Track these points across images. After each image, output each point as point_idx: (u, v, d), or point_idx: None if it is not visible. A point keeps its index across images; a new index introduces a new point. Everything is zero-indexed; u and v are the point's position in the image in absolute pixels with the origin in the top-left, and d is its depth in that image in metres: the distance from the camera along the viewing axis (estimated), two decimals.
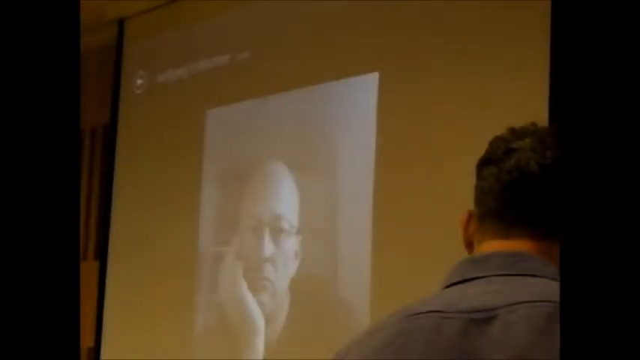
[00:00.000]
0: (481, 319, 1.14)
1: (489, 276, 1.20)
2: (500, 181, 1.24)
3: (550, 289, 1.15)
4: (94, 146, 4.65)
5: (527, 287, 1.17)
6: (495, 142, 1.28)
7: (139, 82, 4.31)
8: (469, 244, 1.30)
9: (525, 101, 2.79)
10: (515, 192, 1.23)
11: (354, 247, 3.26)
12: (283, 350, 3.43)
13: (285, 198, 3.55)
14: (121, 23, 4.42)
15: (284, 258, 3.51)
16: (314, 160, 3.46)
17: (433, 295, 1.23)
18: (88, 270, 4.32)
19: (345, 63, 3.37)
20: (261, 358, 3.55)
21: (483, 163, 1.27)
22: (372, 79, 3.26)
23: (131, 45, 4.39)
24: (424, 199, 2.97)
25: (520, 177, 1.22)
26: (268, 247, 3.55)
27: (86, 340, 4.25)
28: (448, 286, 1.23)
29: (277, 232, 3.54)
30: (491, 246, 1.24)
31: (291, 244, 3.49)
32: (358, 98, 3.31)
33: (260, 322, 3.56)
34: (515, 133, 1.27)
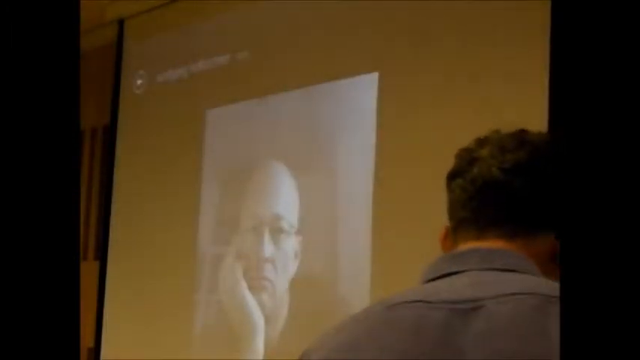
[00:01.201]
0: (465, 309, 1.14)
1: (470, 270, 1.21)
2: (467, 191, 1.27)
3: (535, 283, 1.17)
4: (94, 146, 4.65)
5: (512, 281, 1.18)
6: (460, 154, 1.32)
7: (139, 82, 4.31)
8: None
9: (525, 101, 2.79)
10: (482, 199, 1.26)
11: (354, 247, 3.26)
12: (283, 350, 3.43)
13: (285, 198, 3.55)
14: (121, 23, 4.42)
15: (284, 258, 3.51)
16: (314, 160, 3.46)
17: (412, 288, 1.23)
18: (88, 270, 4.32)
19: (345, 63, 3.37)
20: (261, 358, 3.55)
21: (451, 177, 1.31)
22: (372, 79, 3.26)
23: (131, 45, 4.39)
24: (424, 199, 2.97)
25: (483, 184, 1.26)
26: (268, 247, 3.55)
27: (86, 340, 4.26)
28: (427, 282, 1.24)
29: (277, 232, 3.54)
30: (468, 245, 1.26)
31: (291, 244, 3.49)
32: (358, 98, 3.31)
33: (260, 322, 3.56)
34: (478, 143, 1.31)
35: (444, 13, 3.07)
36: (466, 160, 1.29)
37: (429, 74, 3.10)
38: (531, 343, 1.09)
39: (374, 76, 3.26)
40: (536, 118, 2.65)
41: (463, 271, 1.21)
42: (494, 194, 1.25)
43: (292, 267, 3.47)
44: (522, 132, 1.30)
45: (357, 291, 3.21)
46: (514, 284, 1.16)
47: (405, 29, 3.20)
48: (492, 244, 1.24)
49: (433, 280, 1.23)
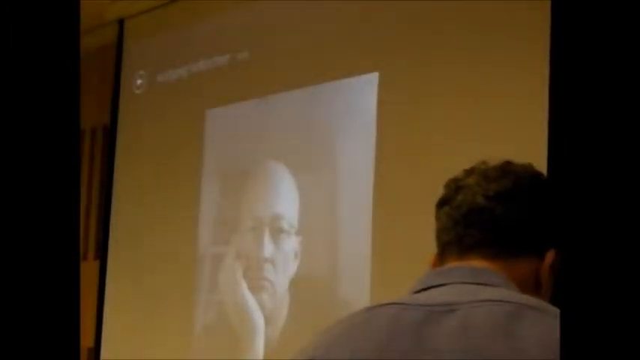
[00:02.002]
0: (441, 311, 1.20)
1: (452, 283, 1.27)
2: (452, 217, 1.34)
3: (512, 293, 1.23)
4: (94, 146, 4.65)
5: (487, 291, 1.23)
6: (448, 184, 1.38)
7: (139, 82, 4.31)
8: None
9: (525, 102, 2.79)
10: (467, 224, 1.32)
11: (354, 247, 3.26)
12: (283, 350, 3.43)
13: (285, 198, 3.55)
14: (121, 23, 4.42)
15: (284, 258, 3.51)
16: (314, 160, 3.46)
17: (396, 298, 1.29)
18: (88, 270, 4.32)
19: (345, 63, 3.37)
20: (261, 358, 3.55)
21: (439, 205, 1.37)
22: (372, 79, 3.26)
23: (131, 45, 4.39)
24: (424, 199, 2.96)
25: (468, 210, 1.32)
26: (268, 247, 3.55)
27: (86, 340, 4.25)
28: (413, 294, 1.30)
29: (277, 232, 3.54)
30: (452, 265, 1.32)
31: (291, 244, 3.49)
32: (358, 98, 3.31)
33: (260, 322, 3.56)
34: (465, 173, 1.37)
35: (444, 13, 3.07)
36: (452, 189, 1.36)
37: (429, 74, 3.10)
38: (501, 343, 1.14)
39: (374, 76, 3.26)
40: (536, 118, 2.65)
41: (445, 284, 1.27)
42: (477, 220, 1.31)
43: (292, 267, 3.47)
44: (507, 163, 1.36)
45: (357, 291, 3.21)
46: (490, 293, 1.22)
47: (405, 29, 3.20)
48: (475, 263, 1.30)
49: (417, 292, 1.29)
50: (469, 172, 1.36)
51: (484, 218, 1.30)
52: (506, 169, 1.34)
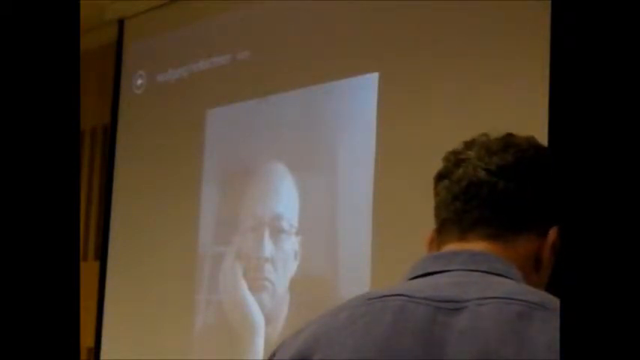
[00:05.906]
0: (449, 309, 1.15)
1: (455, 270, 1.22)
2: (451, 191, 1.29)
3: (518, 289, 1.17)
4: (94, 146, 4.65)
5: (495, 284, 1.19)
6: (447, 157, 1.33)
7: (139, 82, 4.31)
8: None
9: (526, 101, 2.79)
10: (467, 199, 1.27)
11: (354, 247, 3.26)
12: None
13: (285, 198, 3.55)
14: (121, 23, 4.42)
15: (284, 258, 3.51)
16: (314, 160, 3.46)
17: (394, 285, 1.24)
18: (88, 270, 4.32)
19: (345, 63, 3.37)
20: (261, 358, 3.55)
21: (437, 179, 1.33)
22: (372, 79, 3.26)
23: (131, 45, 4.39)
24: (424, 199, 2.96)
25: (469, 184, 1.27)
26: (268, 247, 3.55)
27: (86, 340, 4.25)
28: (411, 279, 1.25)
29: (277, 232, 3.54)
30: (452, 247, 1.27)
31: (291, 244, 3.49)
32: (358, 98, 3.31)
33: (260, 321, 3.56)
34: (465, 145, 1.33)
35: (444, 14, 3.07)
36: (452, 162, 1.31)
37: (429, 74, 3.10)
38: (511, 347, 1.10)
39: (374, 76, 3.26)
40: (536, 117, 2.65)
41: (446, 271, 1.22)
42: (478, 195, 1.26)
43: (292, 267, 3.47)
44: (509, 135, 1.32)
45: (357, 291, 3.19)
46: (497, 288, 1.17)
47: (405, 29, 3.20)
48: (475, 245, 1.25)
49: (416, 278, 1.24)
50: (469, 145, 1.31)
51: (485, 193, 1.26)
52: (509, 141, 1.30)
